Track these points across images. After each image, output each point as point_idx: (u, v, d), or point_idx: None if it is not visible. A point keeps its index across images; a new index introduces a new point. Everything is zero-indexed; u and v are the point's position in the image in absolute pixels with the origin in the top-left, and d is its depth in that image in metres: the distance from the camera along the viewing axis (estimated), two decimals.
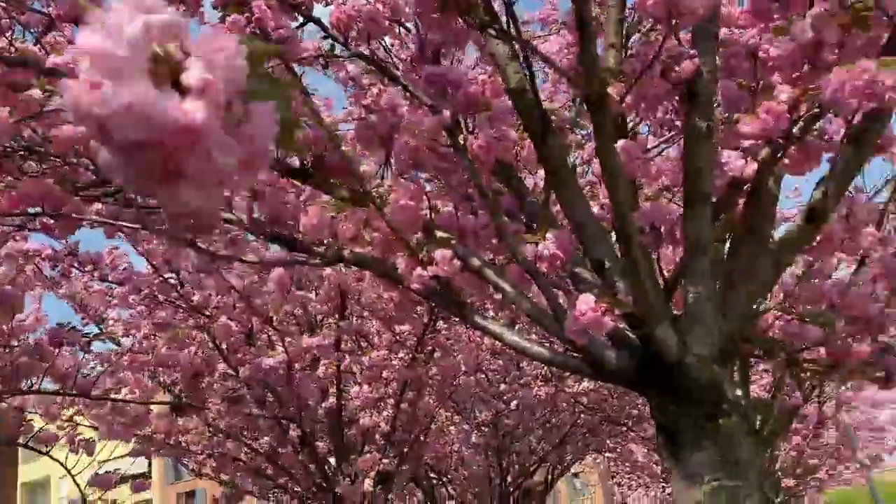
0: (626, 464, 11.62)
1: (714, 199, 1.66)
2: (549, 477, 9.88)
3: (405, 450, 5.72)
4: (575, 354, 1.78)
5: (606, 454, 11.08)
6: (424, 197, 1.97)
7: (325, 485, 5.23)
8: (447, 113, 1.79)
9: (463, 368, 6.22)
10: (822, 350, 2.63)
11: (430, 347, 5.57)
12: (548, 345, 2.13)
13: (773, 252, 1.59)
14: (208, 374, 4.51)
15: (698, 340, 1.55)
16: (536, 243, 1.79)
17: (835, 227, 2.00)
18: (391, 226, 1.75)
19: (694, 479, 1.54)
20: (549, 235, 1.79)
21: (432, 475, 8.69)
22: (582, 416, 7.61)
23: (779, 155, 1.59)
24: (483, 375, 7.12)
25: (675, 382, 1.58)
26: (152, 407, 4.53)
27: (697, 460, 1.54)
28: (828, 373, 2.94)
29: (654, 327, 1.56)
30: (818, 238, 2.07)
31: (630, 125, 2.66)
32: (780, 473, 8.40)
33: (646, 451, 10.88)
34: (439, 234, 1.90)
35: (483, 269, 1.86)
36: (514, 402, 6.98)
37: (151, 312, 4.51)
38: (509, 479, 8.31)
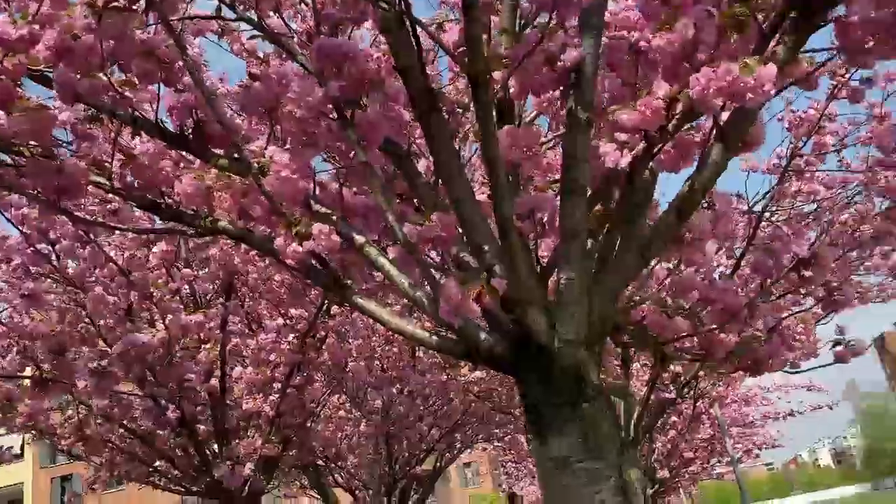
0: (513, 452, 11.87)
1: (592, 190, 1.70)
2: (438, 465, 9.97)
3: (291, 435, 5.62)
4: (454, 338, 1.78)
5: (495, 443, 11.29)
6: (309, 171, 1.92)
7: (204, 469, 5.08)
8: (335, 85, 1.75)
9: (355, 354, 6.17)
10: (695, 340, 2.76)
11: (322, 332, 5.50)
12: (444, 331, 2.12)
13: (643, 243, 1.64)
14: (89, 347, 4.28)
15: (567, 325, 1.59)
16: (420, 224, 1.78)
17: (702, 220, 2.09)
18: (270, 198, 1.70)
19: (557, 460, 1.58)
20: (433, 217, 1.78)
21: (320, 462, 8.60)
22: (472, 405, 7.71)
23: (655, 150, 1.64)
24: (377, 362, 7.10)
25: (545, 366, 1.61)
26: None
27: (561, 442, 1.58)
28: (697, 362, 3.08)
29: (526, 311, 1.58)
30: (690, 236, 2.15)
31: (529, 118, 2.69)
32: (655, 465, 8.80)
33: None
34: (320, 209, 1.86)
35: (365, 248, 1.83)
36: (407, 389, 6.99)
37: (21, 283, 4.23)
38: (397, 466, 8.33)
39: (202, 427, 5.22)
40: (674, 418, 9.13)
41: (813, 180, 4.72)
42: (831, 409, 13.88)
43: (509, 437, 10.35)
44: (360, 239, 1.82)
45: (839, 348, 3.90)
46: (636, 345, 2.53)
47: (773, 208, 4.61)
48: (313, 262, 1.89)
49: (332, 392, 6.38)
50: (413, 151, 2.40)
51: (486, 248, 1.58)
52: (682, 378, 5.33)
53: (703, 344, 2.67)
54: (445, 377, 6.93)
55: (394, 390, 7.11)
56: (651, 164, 1.74)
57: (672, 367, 5.46)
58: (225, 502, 5.15)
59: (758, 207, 4.12)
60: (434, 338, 1.77)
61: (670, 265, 2.73)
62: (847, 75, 3.92)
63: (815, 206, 4.88)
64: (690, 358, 2.81)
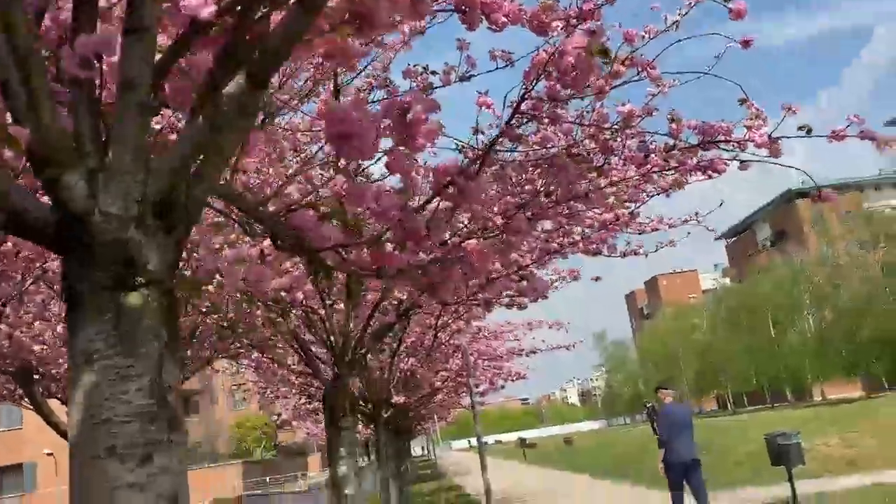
0: (259, 371, 11.61)
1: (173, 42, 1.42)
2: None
3: None
4: None
5: (244, 363, 10.95)
6: None
7: None
8: None
9: None
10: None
11: None
12: None
13: (213, 114, 1.40)
14: None
15: (112, 196, 1.32)
16: None
17: (364, 115, 1.91)
18: None
19: (86, 354, 1.33)
20: None
21: (36, 370, 7.76)
22: (201, 319, 7.29)
23: (258, 6, 1.40)
24: None
25: (86, 243, 1.33)
26: None
27: (91, 334, 1.33)
28: (368, 276, 2.98)
29: (60, 173, 1.29)
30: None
31: None
32: (392, 390, 9.00)
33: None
34: None
35: None
36: None
37: None
38: None
39: None
40: (415, 345, 9.37)
41: (554, 126, 4.74)
42: (568, 350, 15.06)
43: (255, 357, 10.04)
44: None
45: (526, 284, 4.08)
46: (295, 252, 2.33)
47: (505, 149, 4.61)
48: None
49: (26, 290, 5.66)
50: None
51: (16, 88, 1.26)
52: (404, 304, 5.36)
53: (373, 258, 2.56)
54: None
55: None
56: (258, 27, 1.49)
57: (397, 292, 5.46)
58: None
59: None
60: None
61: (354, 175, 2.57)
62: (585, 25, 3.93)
63: (550, 152, 4.94)
64: (360, 271, 2.68)
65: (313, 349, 6.00)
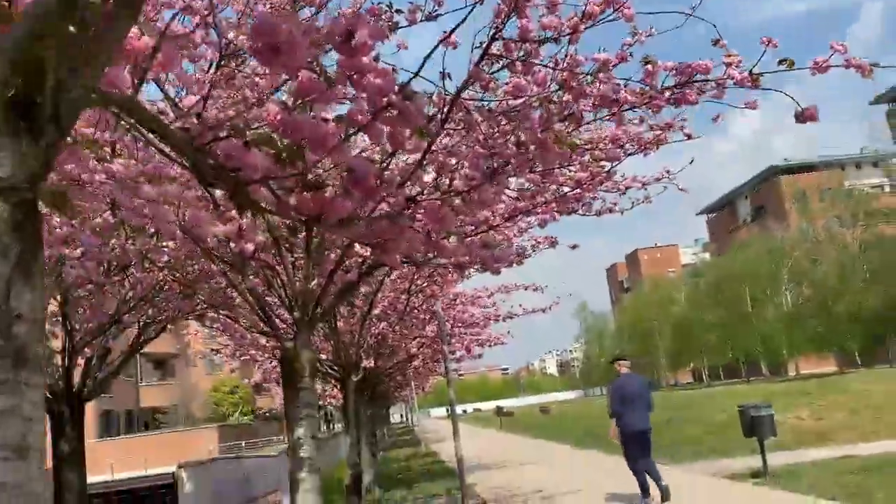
0: (227, 335, 11.36)
1: None
2: (141, 339, 9.21)
3: None
4: None
5: (209, 325, 10.69)
6: None
7: None
8: None
9: None
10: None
11: None
12: None
13: None
14: None
15: None
16: None
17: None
18: None
19: None
20: None
21: None
22: (162, 276, 7.02)
23: None
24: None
25: None
26: None
27: None
28: (308, 222, 2.75)
29: None
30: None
31: None
32: (362, 354, 8.81)
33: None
34: None
35: None
36: (80, 251, 6.11)
37: None
38: (79, 337, 7.49)
39: None
40: (389, 311, 9.18)
41: (526, 73, 4.42)
42: (545, 312, 14.86)
43: (222, 319, 9.77)
44: None
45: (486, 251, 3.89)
46: (217, 182, 2.10)
47: (476, 98, 4.35)
48: None
49: None
50: None
51: None
52: (367, 262, 5.14)
53: (314, 203, 2.33)
54: (126, 240, 6.16)
55: (67, 251, 6.19)
56: None
57: (359, 249, 5.23)
58: None
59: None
60: None
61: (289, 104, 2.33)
62: None
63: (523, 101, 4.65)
64: (297, 216, 2.45)
65: (278, 311, 5.78)
